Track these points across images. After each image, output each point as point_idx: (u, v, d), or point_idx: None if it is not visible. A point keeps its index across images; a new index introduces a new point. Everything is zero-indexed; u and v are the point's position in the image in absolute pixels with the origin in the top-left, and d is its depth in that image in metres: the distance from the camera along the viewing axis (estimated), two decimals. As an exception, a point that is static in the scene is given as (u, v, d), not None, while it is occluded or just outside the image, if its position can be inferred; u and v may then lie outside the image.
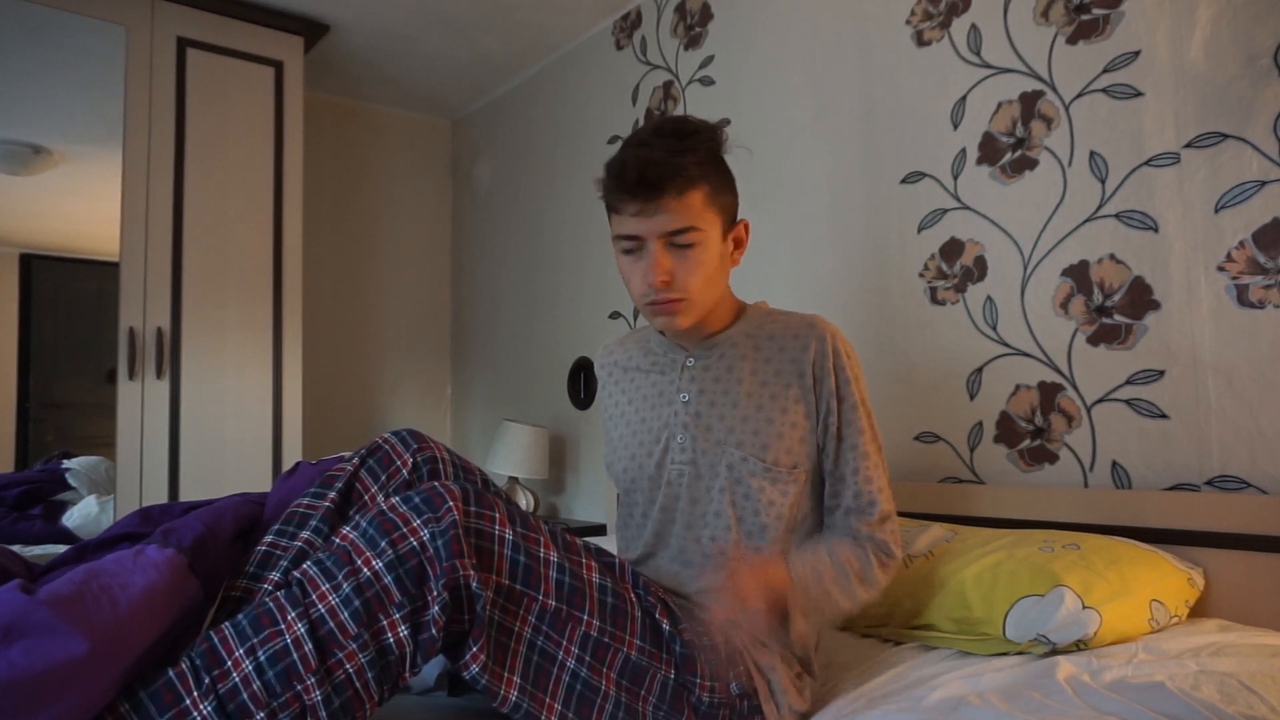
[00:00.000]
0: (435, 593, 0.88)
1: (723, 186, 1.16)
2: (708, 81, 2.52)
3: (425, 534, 0.90)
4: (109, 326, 2.45)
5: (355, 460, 1.13)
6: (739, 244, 1.22)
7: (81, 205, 2.70)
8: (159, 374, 2.48)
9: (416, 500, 0.93)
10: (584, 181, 2.96)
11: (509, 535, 0.95)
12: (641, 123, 2.73)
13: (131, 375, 2.43)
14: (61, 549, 2.25)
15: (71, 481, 2.49)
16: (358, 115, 3.56)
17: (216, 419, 2.57)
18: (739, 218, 1.22)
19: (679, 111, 2.60)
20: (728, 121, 2.43)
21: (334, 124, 3.48)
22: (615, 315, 2.79)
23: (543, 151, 3.20)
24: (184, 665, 0.84)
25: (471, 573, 0.90)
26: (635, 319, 2.70)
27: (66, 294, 2.68)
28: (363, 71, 3.26)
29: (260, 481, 2.59)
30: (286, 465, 2.68)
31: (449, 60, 3.19)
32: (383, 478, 1.12)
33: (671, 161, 1.07)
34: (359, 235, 3.53)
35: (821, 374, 1.16)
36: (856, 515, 1.17)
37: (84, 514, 2.41)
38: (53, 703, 0.77)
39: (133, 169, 2.48)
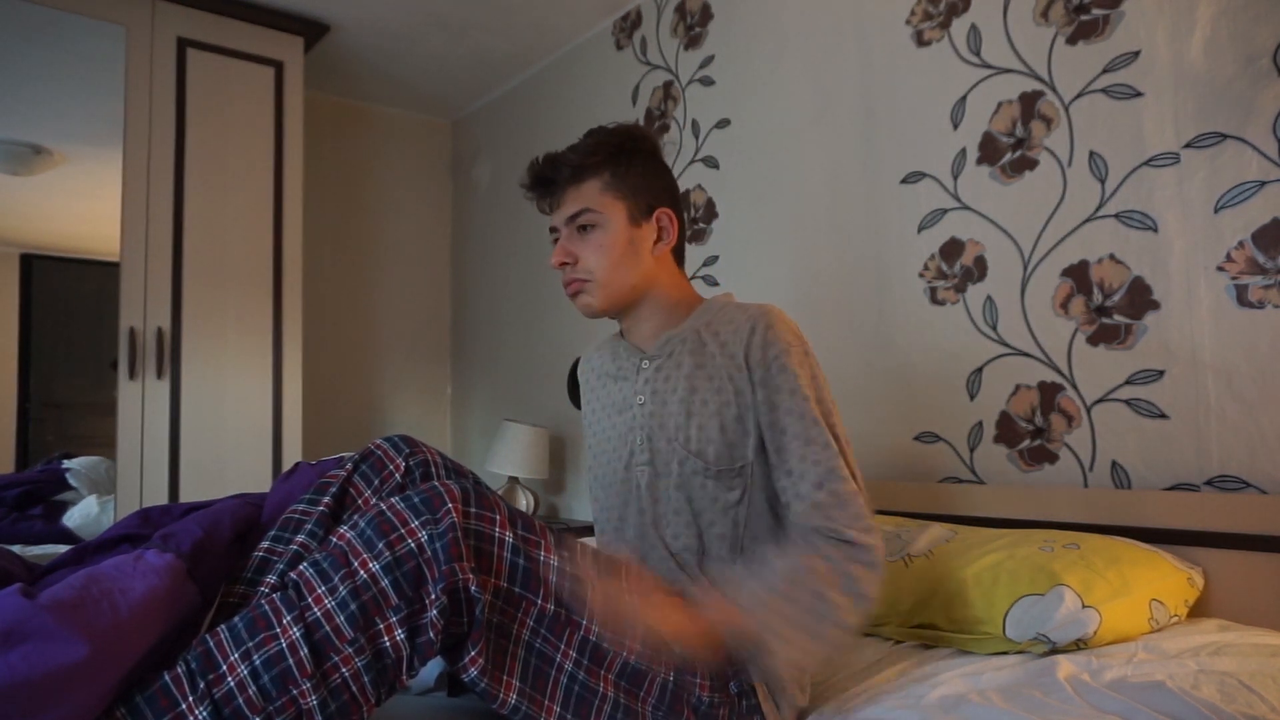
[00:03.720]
0: (433, 596, 0.88)
1: (627, 176, 1.23)
2: (708, 81, 2.52)
3: (423, 536, 0.89)
4: (109, 326, 2.45)
5: (349, 466, 1.13)
6: (662, 233, 1.24)
7: (81, 205, 2.70)
8: (159, 374, 2.48)
9: (415, 500, 0.92)
10: (584, 181, 2.96)
11: (509, 538, 0.95)
12: (641, 123, 2.74)
13: (132, 375, 2.43)
14: (62, 549, 2.24)
15: (71, 481, 2.49)
16: (358, 115, 3.56)
17: (216, 419, 2.57)
18: (665, 210, 1.25)
19: (679, 112, 2.60)
20: (665, 128, 2.44)
21: (334, 124, 3.48)
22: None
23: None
24: (179, 669, 0.83)
25: (470, 576, 0.89)
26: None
27: (66, 294, 2.68)
28: (363, 71, 3.26)
29: (260, 482, 2.59)
30: (286, 465, 2.68)
31: (449, 60, 3.19)
32: (375, 482, 1.13)
33: (564, 157, 1.23)
34: (359, 235, 3.53)
35: (754, 364, 1.13)
36: (808, 513, 1.07)
37: (84, 514, 2.41)
38: (52, 707, 0.77)
39: (133, 169, 2.48)
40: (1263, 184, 1.43)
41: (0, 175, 2.49)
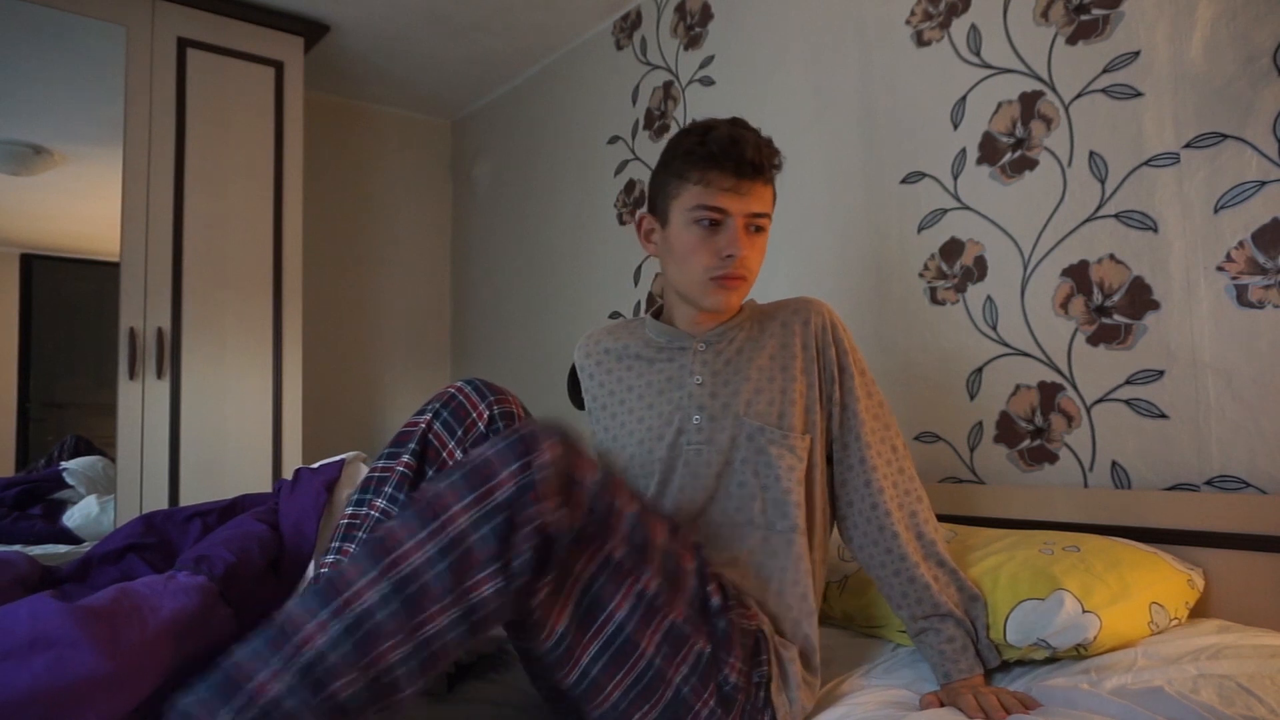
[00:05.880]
0: (523, 546, 0.85)
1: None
2: (708, 81, 2.51)
3: (516, 485, 0.85)
4: (109, 326, 2.45)
5: (428, 415, 1.08)
6: None
7: (81, 205, 2.70)
8: (159, 374, 2.48)
9: (504, 446, 0.88)
10: (584, 181, 2.96)
11: (592, 480, 0.93)
12: (641, 123, 2.73)
13: (132, 375, 2.43)
14: (62, 549, 2.26)
15: (69, 480, 2.49)
16: (358, 115, 3.56)
17: (216, 419, 2.57)
18: None
19: (679, 112, 2.60)
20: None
21: (334, 124, 3.48)
22: (615, 315, 2.79)
23: (543, 151, 3.20)
24: (253, 645, 0.78)
25: (557, 516, 0.87)
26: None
27: (66, 294, 2.68)
28: (363, 71, 3.26)
29: (260, 482, 2.59)
30: (287, 464, 2.68)
31: (449, 60, 3.19)
32: (459, 432, 1.08)
33: (769, 150, 1.18)
34: (359, 235, 3.53)
35: (823, 345, 1.23)
36: (872, 497, 1.21)
37: (84, 514, 2.41)
38: (70, 717, 0.76)
39: (133, 169, 2.48)
40: (1263, 184, 1.43)
41: (0, 175, 2.49)
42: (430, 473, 1.07)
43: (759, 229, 1.20)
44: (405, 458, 1.05)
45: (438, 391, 1.11)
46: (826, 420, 1.24)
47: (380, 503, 1.03)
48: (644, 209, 1.30)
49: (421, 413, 1.10)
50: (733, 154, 1.15)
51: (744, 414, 1.19)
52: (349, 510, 1.04)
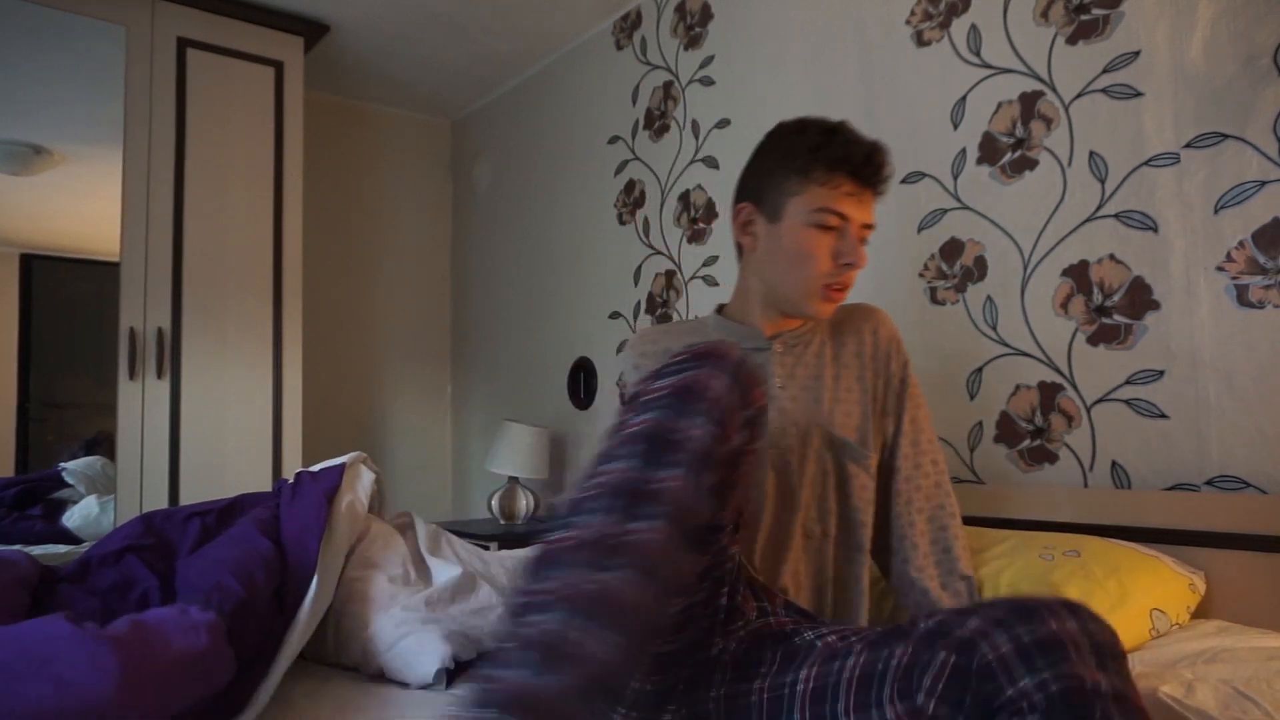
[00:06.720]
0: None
1: None
2: (708, 81, 2.51)
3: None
4: (109, 326, 2.45)
5: (724, 377, 0.80)
6: None
7: (81, 205, 2.70)
8: (159, 374, 2.48)
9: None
10: (584, 181, 2.96)
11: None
12: (641, 123, 2.73)
13: (132, 375, 2.44)
14: (62, 549, 2.26)
15: (68, 480, 2.49)
16: (358, 115, 3.56)
17: (216, 419, 2.57)
18: None
19: (679, 112, 2.60)
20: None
21: (334, 124, 3.48)
22: (615, 315, 2.79)
23: (543, 151, 3.19)
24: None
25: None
26: (635, 319, 2.70)
27: (66, 294, 2.68)
28: (363, 71, 3.26)
29: (260, 482, 2.59)
30: (287, 464, 2.68)
31: (449, 60, 3.19)
32: (744, 413, 0.83)
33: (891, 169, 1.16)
34: (359, 235, 3.53)
35: (888, 356, 1.23)
36: (898, 507, 1.21)
37: (84, 514, 2.41)
38: None
39: (133, 169, 2.48)
40: (1263, 184, 1.42)
41: (0, 175, 2.49)
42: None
43: (865, 241, 1.16)
44: (707, 425, 0.77)
45: (703, 347, 0.84)
46: (882, 434, 1.22)
47: (674, 476, 0.74)
48: (742, 199, 1.21)
49: (699, 364, 0.81)
50: (873, 162, 1.11)
51: (828, 422, 1.16)
52: (613, 464, 0.76)
